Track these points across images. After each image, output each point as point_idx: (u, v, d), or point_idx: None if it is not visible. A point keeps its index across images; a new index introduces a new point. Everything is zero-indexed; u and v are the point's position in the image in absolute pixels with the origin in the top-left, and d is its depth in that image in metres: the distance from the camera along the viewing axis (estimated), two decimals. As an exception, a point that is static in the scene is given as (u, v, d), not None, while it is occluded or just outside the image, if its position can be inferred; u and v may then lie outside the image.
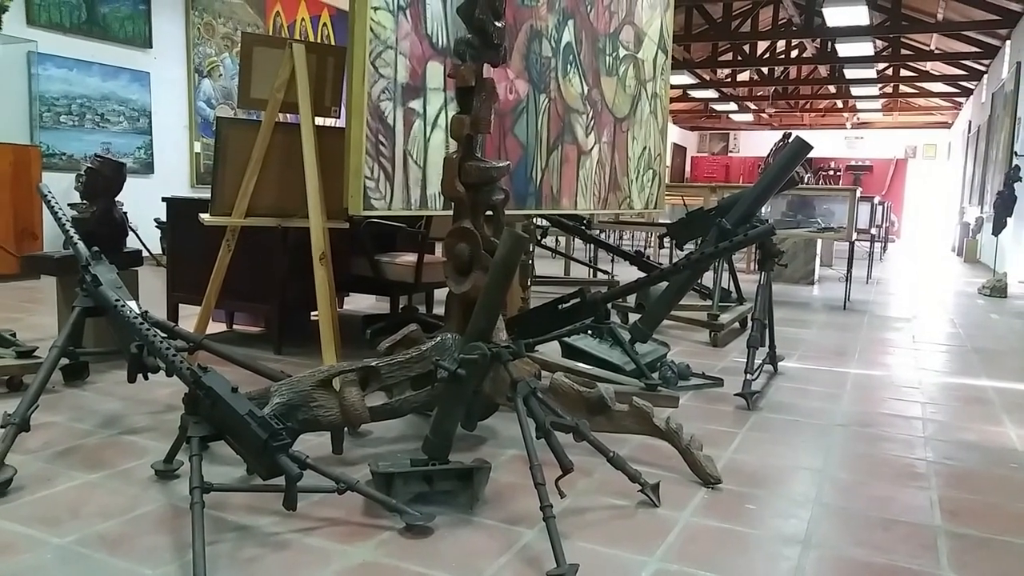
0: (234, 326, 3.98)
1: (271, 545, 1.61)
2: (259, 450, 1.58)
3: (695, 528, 1.77)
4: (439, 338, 2.20)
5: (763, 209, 3.70)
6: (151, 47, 7.21)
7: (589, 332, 2.69)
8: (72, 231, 2.38)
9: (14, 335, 2.89)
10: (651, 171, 4.94)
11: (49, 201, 2.46)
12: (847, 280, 5.80)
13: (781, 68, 15.16)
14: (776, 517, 1.86)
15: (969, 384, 3.39)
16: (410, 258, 3.65)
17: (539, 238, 5.84)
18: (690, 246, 4.58)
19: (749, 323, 3.09)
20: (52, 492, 1.84)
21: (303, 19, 8.81)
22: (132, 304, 2.30)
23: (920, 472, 2.22)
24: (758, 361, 3.05)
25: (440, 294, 4.38)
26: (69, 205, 5.75)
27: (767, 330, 3.21)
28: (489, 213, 2.33)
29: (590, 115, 3.97)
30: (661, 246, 4.62)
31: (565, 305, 2.68)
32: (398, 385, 2.14)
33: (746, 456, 2.29)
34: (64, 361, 2.33)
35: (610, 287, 6.02)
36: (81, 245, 2.34)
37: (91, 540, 1.60)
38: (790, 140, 3.55)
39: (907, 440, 2.52)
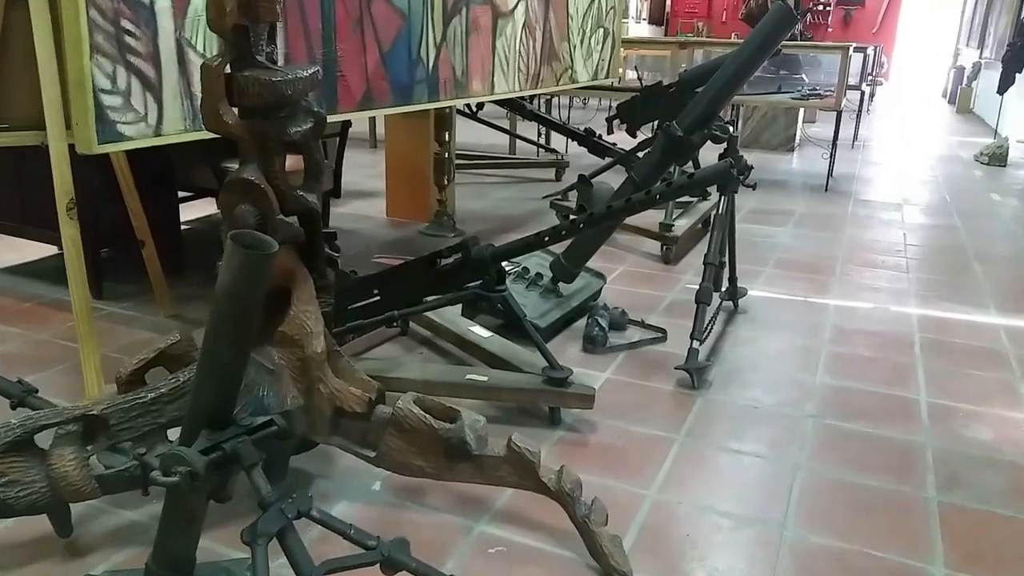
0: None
1: None
2: None
3: None
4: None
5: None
6: None
7: (478, 303, 1.94)
8: None
9: None
10: (601, 29, 3.98)
11: None
12: (831, 157, 4.99)
13: None
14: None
15: (977, 324, 2.71)
16: (272, 164, 2.79)
17: (474, 109, 4.91)
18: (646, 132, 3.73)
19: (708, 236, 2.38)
20: None
21: None
22: None
23: (919, 521, 1.57)
24: (711, 312, 2.34)
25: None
26: None
27: (724, 269, 2.48)
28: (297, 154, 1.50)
29: (512, -38, 2.99)
30: (610, 131, 3.76)
31: (445, 262, 1.91)
32: (146, 436, 1.40)
33: (677, 496, 1.62)
34: None
35: (558, 169, 5.16)
36: None
37: None
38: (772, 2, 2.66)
39: (900, 447, 1.86)
